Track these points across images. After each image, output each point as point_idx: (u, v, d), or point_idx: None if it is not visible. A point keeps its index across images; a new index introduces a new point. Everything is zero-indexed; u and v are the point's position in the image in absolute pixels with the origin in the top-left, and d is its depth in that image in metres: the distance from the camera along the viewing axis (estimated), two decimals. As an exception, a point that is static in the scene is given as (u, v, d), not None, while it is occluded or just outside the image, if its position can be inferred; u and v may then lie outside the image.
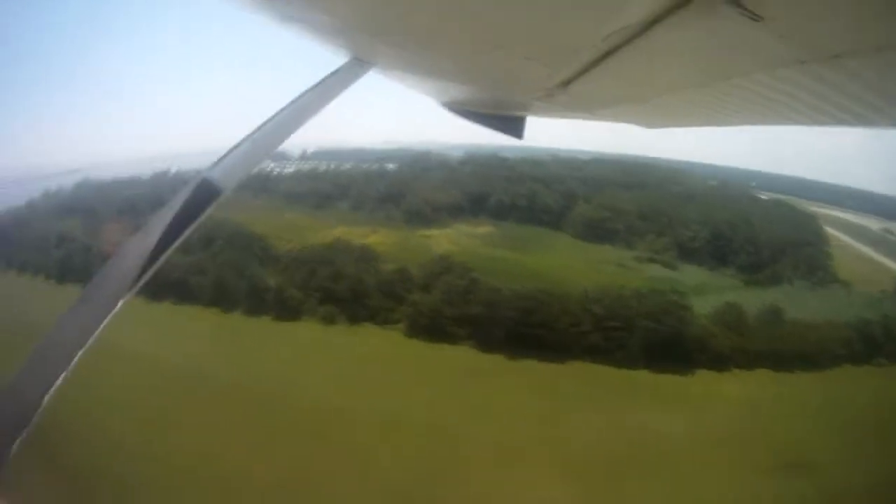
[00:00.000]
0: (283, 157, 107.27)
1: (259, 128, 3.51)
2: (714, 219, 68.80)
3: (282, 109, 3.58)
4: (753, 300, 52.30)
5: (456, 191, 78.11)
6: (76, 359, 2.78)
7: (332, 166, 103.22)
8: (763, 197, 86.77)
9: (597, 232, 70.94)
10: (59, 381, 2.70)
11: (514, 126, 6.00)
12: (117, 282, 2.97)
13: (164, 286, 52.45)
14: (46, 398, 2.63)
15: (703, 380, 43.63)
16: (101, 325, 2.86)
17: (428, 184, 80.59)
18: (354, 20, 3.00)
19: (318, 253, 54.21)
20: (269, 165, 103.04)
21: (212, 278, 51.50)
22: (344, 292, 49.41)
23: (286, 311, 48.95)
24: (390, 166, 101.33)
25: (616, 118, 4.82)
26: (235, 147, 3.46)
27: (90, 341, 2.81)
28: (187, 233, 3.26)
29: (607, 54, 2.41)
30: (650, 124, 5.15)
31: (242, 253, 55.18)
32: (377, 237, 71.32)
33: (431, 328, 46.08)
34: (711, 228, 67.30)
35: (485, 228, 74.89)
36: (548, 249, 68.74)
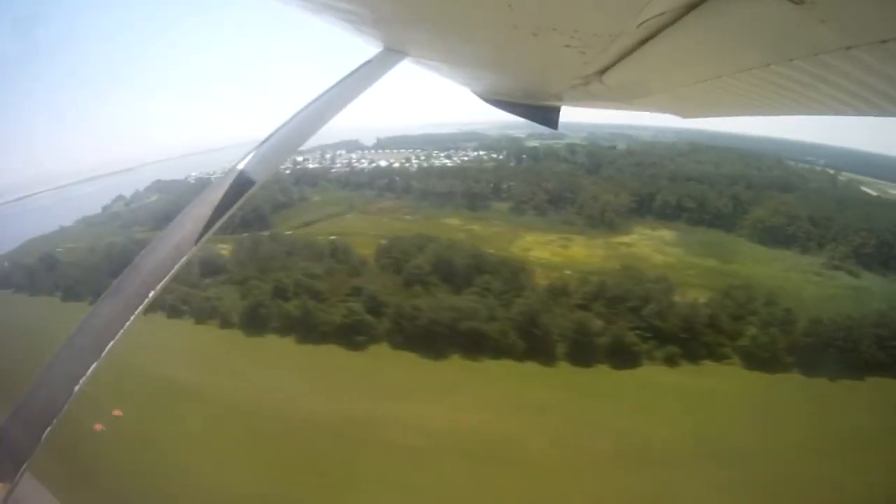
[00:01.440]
0: (357, 147, 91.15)
1: (291, 119, 3.35)
2: (876, 225, 70.22)
3: (313, 100, 3.39)
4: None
5: (623, 191, 71.61)
6: (107, 349, 2.69)
7: (423, 156, 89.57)
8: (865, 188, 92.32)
9: (775, 237, 69.84)
10: (89, 372, 2.66)
11: (549, 116, 5.81)
12: (150, 273, 2.86)
13: (441, 337, 40.62)
14: (76, 388, 2.61)
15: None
16: (133, 316, 2.77)
17: (590, 182, 72.94)
18: (389, 9, 2.89)
19: (616, 284, 45.33)
20: (350, 157, 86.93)
21: (511, 324, 40.69)
22: (677, 329, 42.02)
23: (624, 357, 40.21)
24: (489, 154, 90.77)
25: (651, 108, 4.81)
26: (269, 138, 3.32)
27: (121, 332, 2.73)
28: (218, 224, 3.09)
29: (643, 41, 2.35)
30: (686, 114, 5.10)
31: (521, 289, 44.49)
32: (579, 248, 62.37)
33: (768, 360, 44.45)
34: (877, 234, 68.92)
35: (666, 233, 69.51)
36: (745, 257, 65.84)
